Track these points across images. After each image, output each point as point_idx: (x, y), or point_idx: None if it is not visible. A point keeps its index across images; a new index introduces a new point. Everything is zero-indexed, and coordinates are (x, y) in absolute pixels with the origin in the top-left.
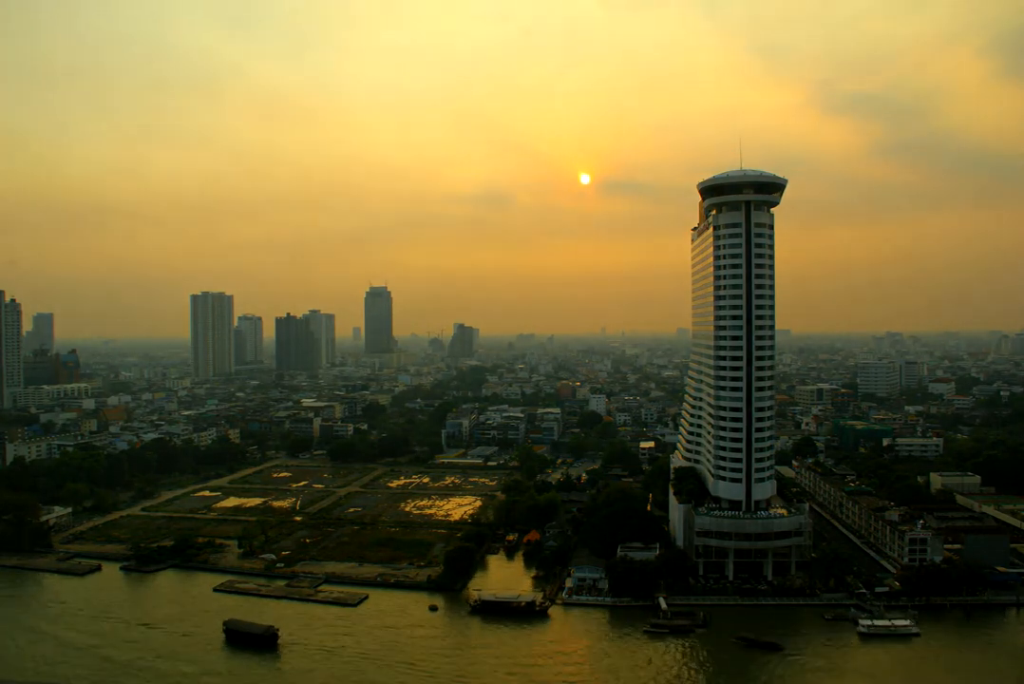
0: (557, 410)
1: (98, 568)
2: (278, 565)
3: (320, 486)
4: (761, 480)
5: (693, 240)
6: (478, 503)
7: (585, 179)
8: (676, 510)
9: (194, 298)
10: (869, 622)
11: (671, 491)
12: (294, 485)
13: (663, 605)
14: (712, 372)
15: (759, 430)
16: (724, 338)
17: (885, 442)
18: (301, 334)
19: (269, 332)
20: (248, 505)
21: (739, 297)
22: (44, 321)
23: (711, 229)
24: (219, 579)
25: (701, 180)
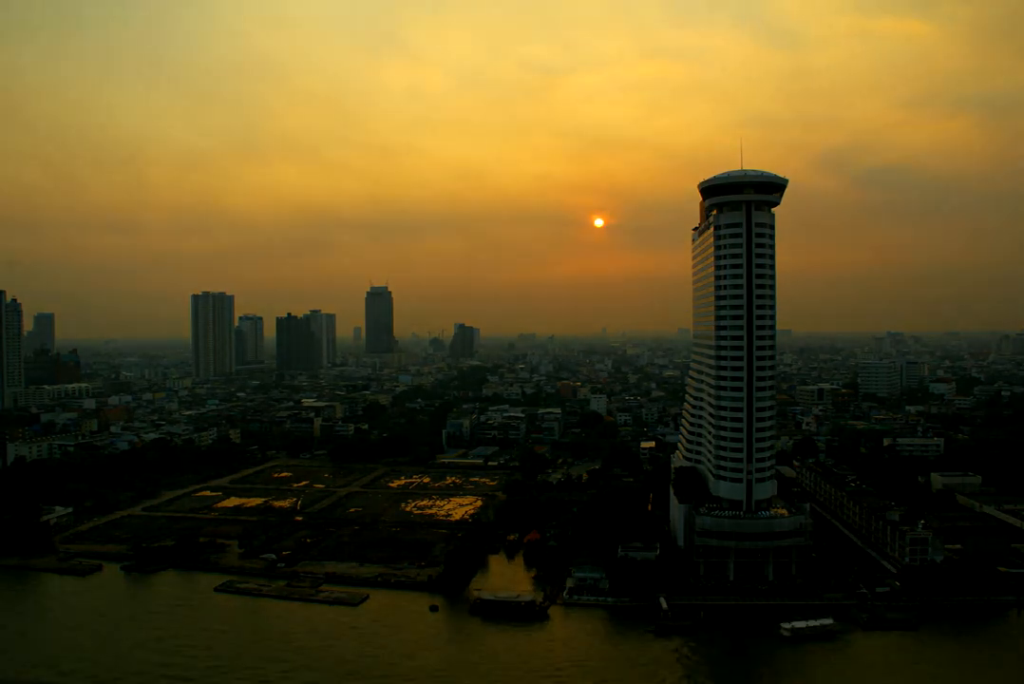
0: (558, 410)
1: (99, 568)
2: (279, 565)
3: (321, 486)
4: (762, 480)
5: (694, 240)
6: (479, 503)
7: (599, 222)
8: (677, 510)
9: (195, 298)
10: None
11: (672, 491)
12: (295, 485)
13: (664, 605)
14: (713, 372)
15: (760, 430)
16: (725, 338)
17: (886, 442)
18: (302, 334)
19: (270, 332)
20: (249, 505)
21: (740, 297)
22: (45, 321)
23: (712, 229)
24: (220, 579)
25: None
